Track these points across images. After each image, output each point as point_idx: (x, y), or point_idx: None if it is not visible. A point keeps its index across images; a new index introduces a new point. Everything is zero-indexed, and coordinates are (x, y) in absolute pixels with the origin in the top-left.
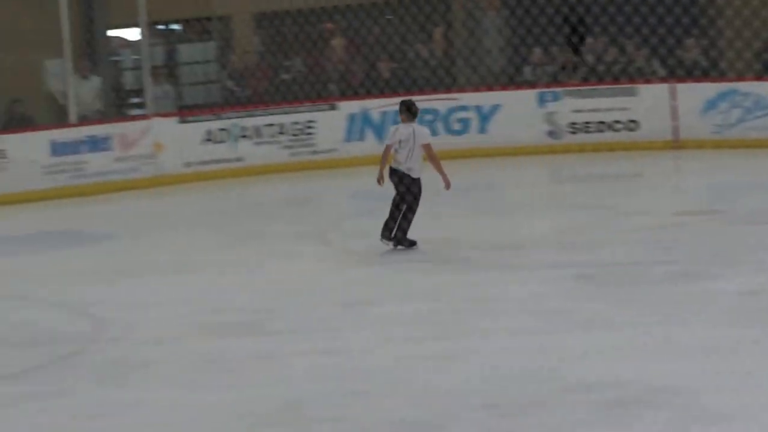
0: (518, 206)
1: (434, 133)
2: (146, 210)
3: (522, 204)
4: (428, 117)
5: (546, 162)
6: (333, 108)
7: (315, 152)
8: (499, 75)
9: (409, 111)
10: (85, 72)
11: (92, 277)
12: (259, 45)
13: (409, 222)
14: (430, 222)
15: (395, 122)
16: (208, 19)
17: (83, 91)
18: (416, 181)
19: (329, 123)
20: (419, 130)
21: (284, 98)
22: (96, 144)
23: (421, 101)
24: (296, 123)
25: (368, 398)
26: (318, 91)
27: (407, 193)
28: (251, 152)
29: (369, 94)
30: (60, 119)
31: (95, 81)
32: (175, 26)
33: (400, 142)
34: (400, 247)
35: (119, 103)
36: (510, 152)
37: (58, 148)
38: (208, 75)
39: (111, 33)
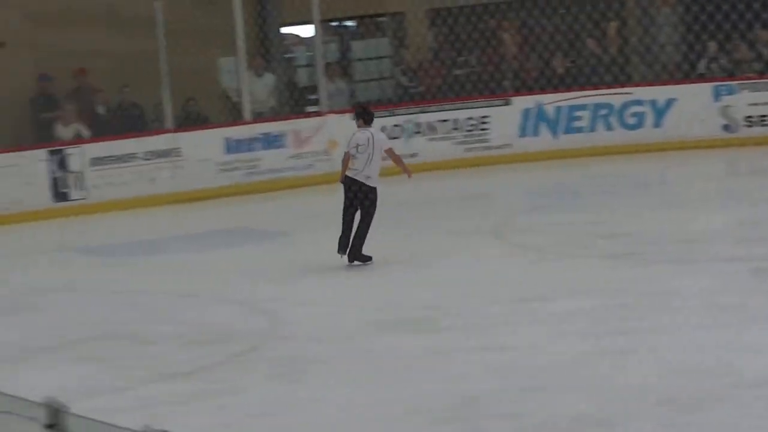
0: (694, 200)
1: (609, 127)
2: (320, 207)
3: (698, 198)
4: (603, 112)
5: (721, 156)
6: (507, 103)
7: (489, 147)
8: (674, 71)
9: (364, 116)
10: (259, 69)
11: (266, 274)
12: (432, 41)
13: (364, 236)
14: (606, 217)
15: (570, 117)
16: (382, 15)
17: (257, 88)
18: (374, 191)
19: (503, 118)
20: (377, 135)
21: (458, 94)
22: (270, 141)
23: (596, 96)
24: (470, 118)
25: (544, 394)
26: (492, 86)
27: (367, 206)
28: (425, 148)
29: (543, 89)
30: (234, 117)
31: (269, 78)
32: (348, 23)
33: (357, 147)
34: (356, 263)
35: (293, 101)
36: (685, 146)
37: (232, 146)
38: (381, 71)
39: (284, 30)
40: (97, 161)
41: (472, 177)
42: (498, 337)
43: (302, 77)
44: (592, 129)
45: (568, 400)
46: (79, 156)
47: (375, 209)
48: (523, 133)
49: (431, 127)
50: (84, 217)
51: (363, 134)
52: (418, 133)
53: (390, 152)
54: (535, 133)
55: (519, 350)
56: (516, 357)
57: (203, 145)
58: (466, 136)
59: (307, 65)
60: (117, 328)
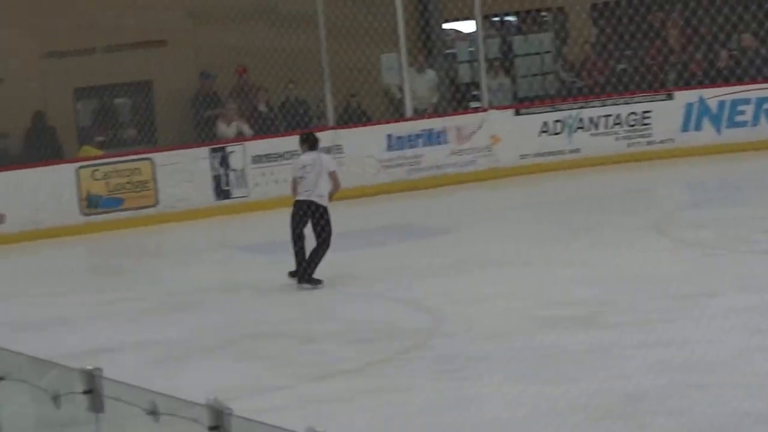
0: None
1: None
2: (482, 203)
3: None
4: (766, 105)
5: None
6: (669, 98)
7: (651, 142)
8: None
9: (307, 142)
10: (420, 65)
11: (428, 271)
12: (595, 36)
13: (320, 258)
14: None
15: (733, 111)
16: (544, 11)
17: (419, 84)
18: (326, 210)
19: (666, 113)
20: (325, 157)
21: (620, 89)
22: (432, 137)
23: (759, 90)
24: (633, 113)
25: (711, 391)
26: (654, 80)
27: (322, 225)
28: (587, 143)
29: (706, 84)
30: (395, 114)
31: (431, 74)
32: (509, 18)
33: (304, 167)
34: (306, 285)
35: (455, 97)
36: None
37: (394, 143)
38: (543, 67)
39: (446, 26)
40: (258, 159)
41: (634, 172)
42: (663, 333)
43: (464, 73)
44: (755, 123)
45: (735, 396)
46: (240, 154)
47: (331, 229)
48: (685, 127)
49: (593, 123)
50: (245, 215)
51: (308, 156)
52: (580, 128)
53: (333, 175)
54: (698, 127)
55: (685, 346)
56: (682, 353)
57: (365, 142)
58: (628, 132)
59: (469, 61)
60: (279, 326)
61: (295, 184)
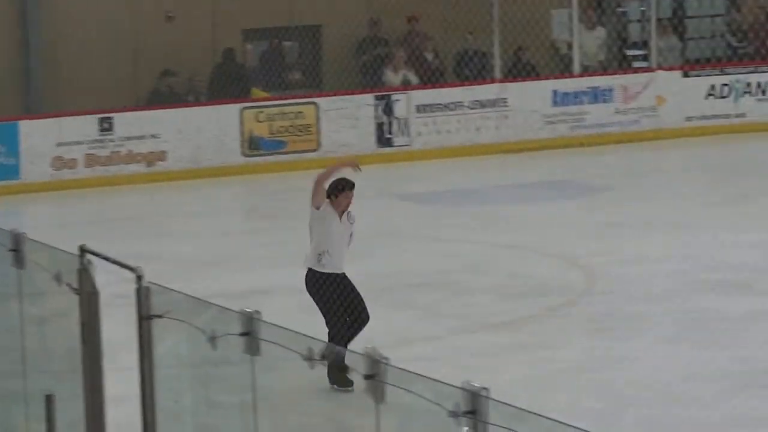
0: None
1: None
2: (645, 163)
3: None
4: None
5: None
6: None
7: None
8: None
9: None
10: (591, 23)
11: (587, 228)
12: None
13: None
14: None
15: None
16: None
17: (588, 41)
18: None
19: None
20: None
21: None
22: (597, 95)
23: None
24: None
25: None
26: None
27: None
28: (754, 108)
29: None
30: (563, 69)
31: (600, 32)
32: None
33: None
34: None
35: (623, 55)
36: None
37: (559, 98)
38: (714, 29)
39: None
40: (422, 108)
41: None
42: None
43: (633, 32)
44: None
45: None
46: (404, 102)
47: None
48: None
49: (761, 88)
50: (407, 164)
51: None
52: (747, 93)
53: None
54: None
55: None
56: None
57: (530, 97)
58: None
59: (639, 20)
60: (435, 277)
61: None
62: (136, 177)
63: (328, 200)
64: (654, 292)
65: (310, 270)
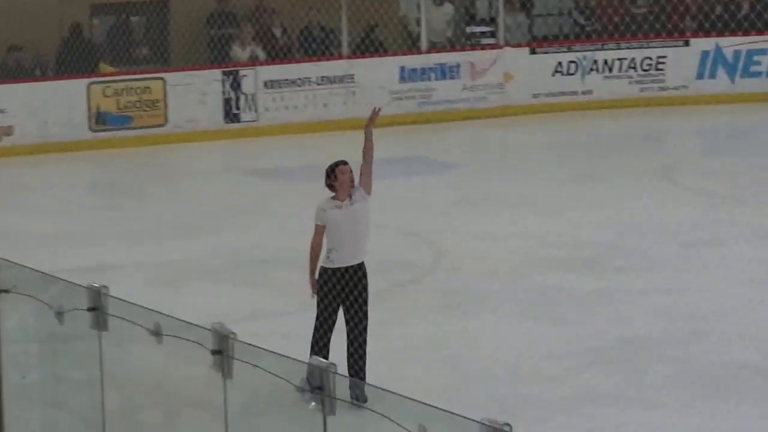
0: None
1: None
2: (493, 140)
3: None
4: None
5: None
6: (686, 44)
7: (664, 88)
8: None
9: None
10: None
11: (435, 205)
12: None
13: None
14: None
15: (749, 62)
16: None
17: (436, 18)
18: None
19: (681, 59)
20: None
21: (636, 33)
22: (445, 72)
23: None
24: (647, 58)
25: (710, 340)
26: (670, 26)
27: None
28: (600, 86)
29: (723, 32)
30: (411, 46)
31: (448, 8)
32: None
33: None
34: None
35: (470, 32)
36: None
37: (406, 75)
38: (561, 6)
39: None
40: (270, 84)
41: (646, 117)
42: (667, 280)
43: (481, 9)
44: None
45: (734, 347)
46: (252, 78)
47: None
48: (700, 75)
49: (608, 65)
50: (254, 140)
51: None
52: (594, 70)
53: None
54: (712, 75)
55: (687, 294)
56: (684, 301)
57: (377, 73)
58: (641, 76)
59: None
60: (284, 254)
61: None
62: None
63: (331, 194)
64: (502, 270)
65: (320, 268)
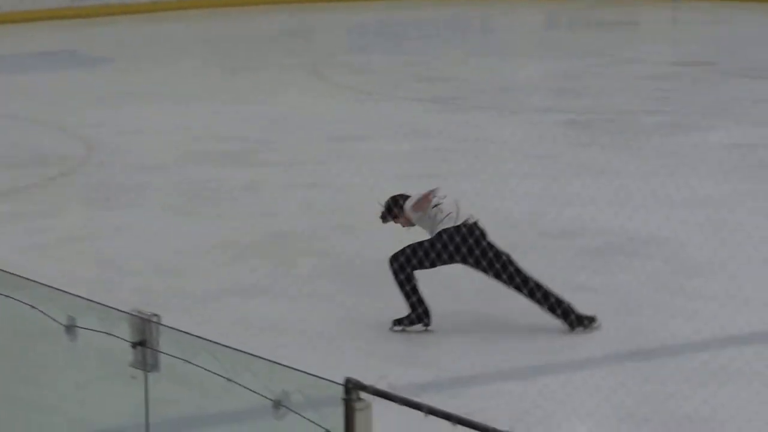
0: (515, 50)
1: None
2: (144, 35)
3: (518, 48)
4: None
5: (544, 7)
6: None
7: None
8: None
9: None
10: None
11: (86, 98)
12: None
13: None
14: (427, 61)
15: None
16: None
17: None
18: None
19: None
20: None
21: None
22: None
23: None
24: None
25: (354, 233)
26: None
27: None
28: None
29: None
30: None
31: None
32: None
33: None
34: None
35: None
36: None
37: None
38: None
39: None
40: None
41: (296, 13)
42: (312, 175)
43: None
44: None
45: (377, 240)
46: None
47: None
48: None
49: None
50: None
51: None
52: None
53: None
54: None
55: (332, 189)
56: (329, 195)
57: None
58: None
59: None
60: None
61: None
62: None
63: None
64: (153, 163)
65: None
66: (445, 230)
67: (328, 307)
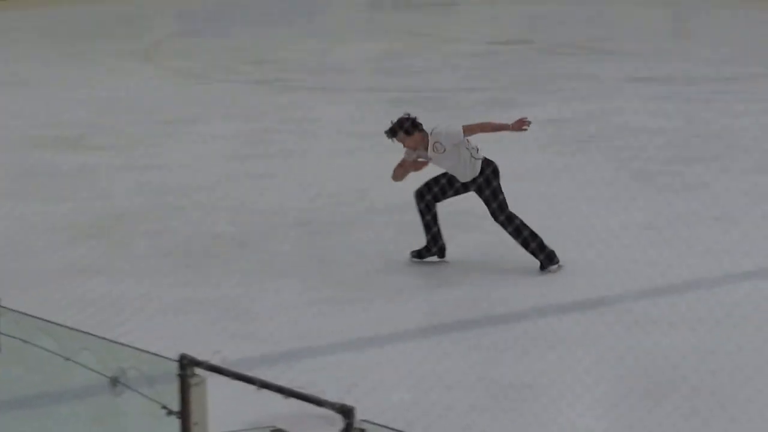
0: (341, 31)
1: None
2: None
3: (344, 29)
4: None
5: None
6: None
7: None
8: None
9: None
10: None
11: None
12: None
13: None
14: (252, 43)
15: None
16: None
17: None
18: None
19: None
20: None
21: None
22: None
23: None
24: None
25: (187, 213)
26: None
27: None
28: None
29: None
30: None
31: None
32: None
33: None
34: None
35: None
36: None
37: None
38: None
39: None
40: None
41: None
42: (145, 157)
43: None
44: None
45: (210, 219)
46: None
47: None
48: None
49: None
50: None
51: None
52: None
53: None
54: None
55: (165, 170)
56: (162, 176)
57: None
58: None
59: None
60: None
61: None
62: None
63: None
64: None
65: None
66: (487, 161)
67: (164, 284)
